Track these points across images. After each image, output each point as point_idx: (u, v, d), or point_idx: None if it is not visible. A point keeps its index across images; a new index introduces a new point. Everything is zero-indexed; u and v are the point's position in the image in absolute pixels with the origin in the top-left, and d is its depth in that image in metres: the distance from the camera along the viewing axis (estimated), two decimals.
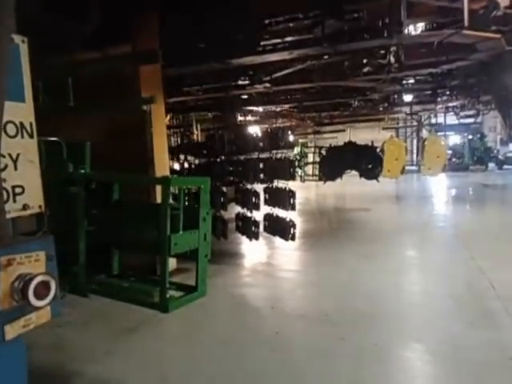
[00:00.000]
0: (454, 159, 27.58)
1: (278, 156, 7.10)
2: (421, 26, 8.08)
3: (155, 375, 3.57)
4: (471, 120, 23.53)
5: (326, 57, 8.24)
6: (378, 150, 8.51)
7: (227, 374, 3.55)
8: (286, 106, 15.28)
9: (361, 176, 8.96)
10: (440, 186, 19.95)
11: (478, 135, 30.10)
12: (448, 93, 13.99)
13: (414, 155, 31.75)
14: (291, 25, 6.62)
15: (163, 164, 6.41)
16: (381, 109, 16.72)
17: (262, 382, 3.47)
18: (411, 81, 13.46)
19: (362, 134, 23.94)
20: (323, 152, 9.27)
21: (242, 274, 6.68)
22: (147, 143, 5.50)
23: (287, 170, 6.68)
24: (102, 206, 3.60)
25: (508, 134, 15.43)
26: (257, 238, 7.22)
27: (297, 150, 21.41)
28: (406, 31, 6.91)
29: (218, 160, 7.74)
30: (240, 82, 9.44)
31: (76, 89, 5.58)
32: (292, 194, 6.67)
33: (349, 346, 3.99)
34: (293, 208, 6.71)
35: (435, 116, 22.59)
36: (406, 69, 9.67)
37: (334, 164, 8.88)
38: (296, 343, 4.17)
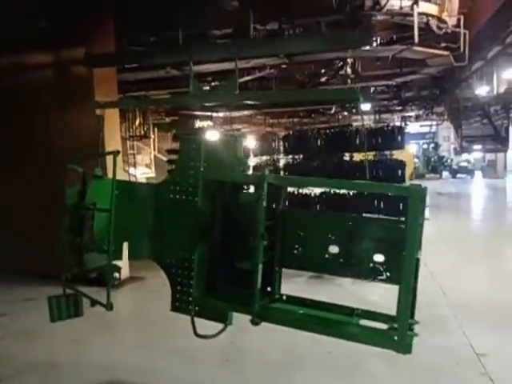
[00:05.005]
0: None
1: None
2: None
3: None
4: (426, 130, 24.33)
5: (283, 66, 8.33)
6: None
7: None
8: (248, 112, 15.22)
9: None
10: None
11: (433, 144, 31.20)
12: (403, 103, 14.40)
13: None
14: None
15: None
16: (340, 117, 16.97)
17: None
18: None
19: None
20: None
21: None
22: (99, 147, 5.38)
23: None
24: (270, 215, 2.88)
25: (460, 144, 16.05)
26: None
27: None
28: None
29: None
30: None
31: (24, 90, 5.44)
32: None
33: (305, 353, 4.00)
34: None
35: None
36: (363, 80, 9.91)
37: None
38: None
